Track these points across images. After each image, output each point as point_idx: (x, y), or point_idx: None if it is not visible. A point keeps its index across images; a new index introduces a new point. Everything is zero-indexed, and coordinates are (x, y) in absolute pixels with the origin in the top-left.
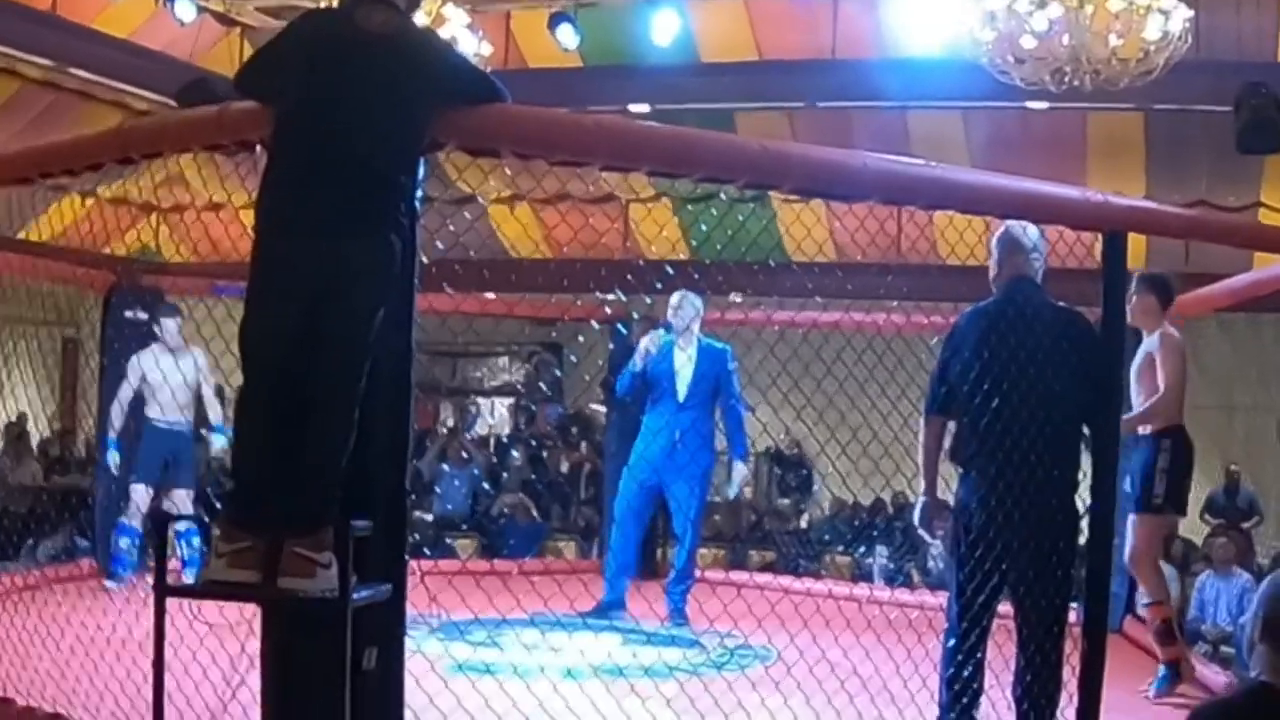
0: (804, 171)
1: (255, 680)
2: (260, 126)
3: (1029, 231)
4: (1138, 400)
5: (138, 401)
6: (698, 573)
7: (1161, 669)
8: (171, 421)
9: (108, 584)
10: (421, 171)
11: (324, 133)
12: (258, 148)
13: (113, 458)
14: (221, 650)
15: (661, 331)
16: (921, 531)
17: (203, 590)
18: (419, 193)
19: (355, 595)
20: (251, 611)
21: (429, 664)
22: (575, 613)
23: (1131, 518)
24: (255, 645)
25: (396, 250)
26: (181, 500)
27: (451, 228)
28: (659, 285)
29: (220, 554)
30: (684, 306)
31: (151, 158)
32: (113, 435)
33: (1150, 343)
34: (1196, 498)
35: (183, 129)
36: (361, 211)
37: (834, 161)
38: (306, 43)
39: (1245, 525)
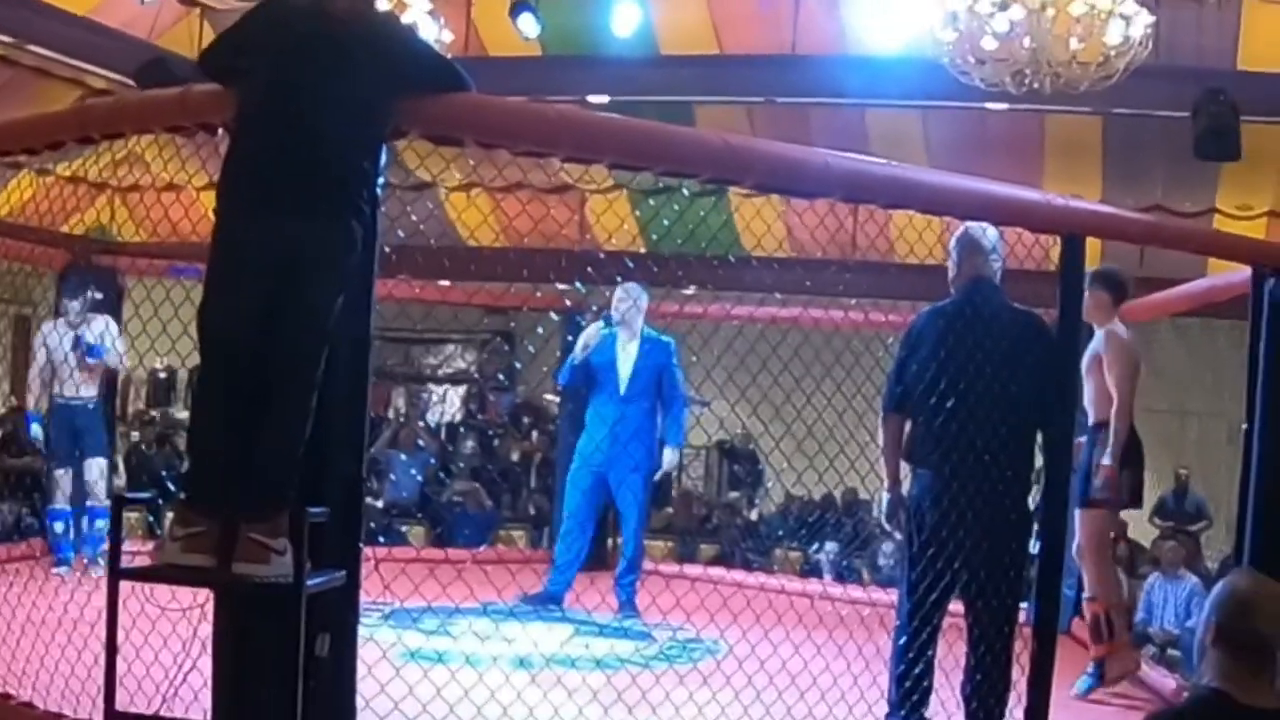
0: (766, 167)
1: (207, 664)
2: (223, 109)
3: (988, 233)
4: (1086, 395)
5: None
6: (648, 565)
7: (1090, 665)
8: (70, 397)
9: (57, 570)
10: (384, 159)
11: (287, 117)
12: (219, 130)
13: (35, 431)
14: (173, 634)
15: (602, 323)
16: (888, 525)
17: (157, 574)
18: (380, 179)
19: (310, 582)
20: (204, 595)
21: (381, 652)
22: (518, 594)
23: (1076, 513)
24: (207, 629)
25: (357, 236)
26: (98, 470)
27: (413, 216)
28: (618, 277)
29: (175, 538)
30: (627, 299)
31: (112, 138)
32: (32, 409)
33: (1098, 340)
34: (1147, 500)
35: (144, 110)
36: (323, 196)
37: (796, 159)
38: (272, 26)
39: (1193, 529)
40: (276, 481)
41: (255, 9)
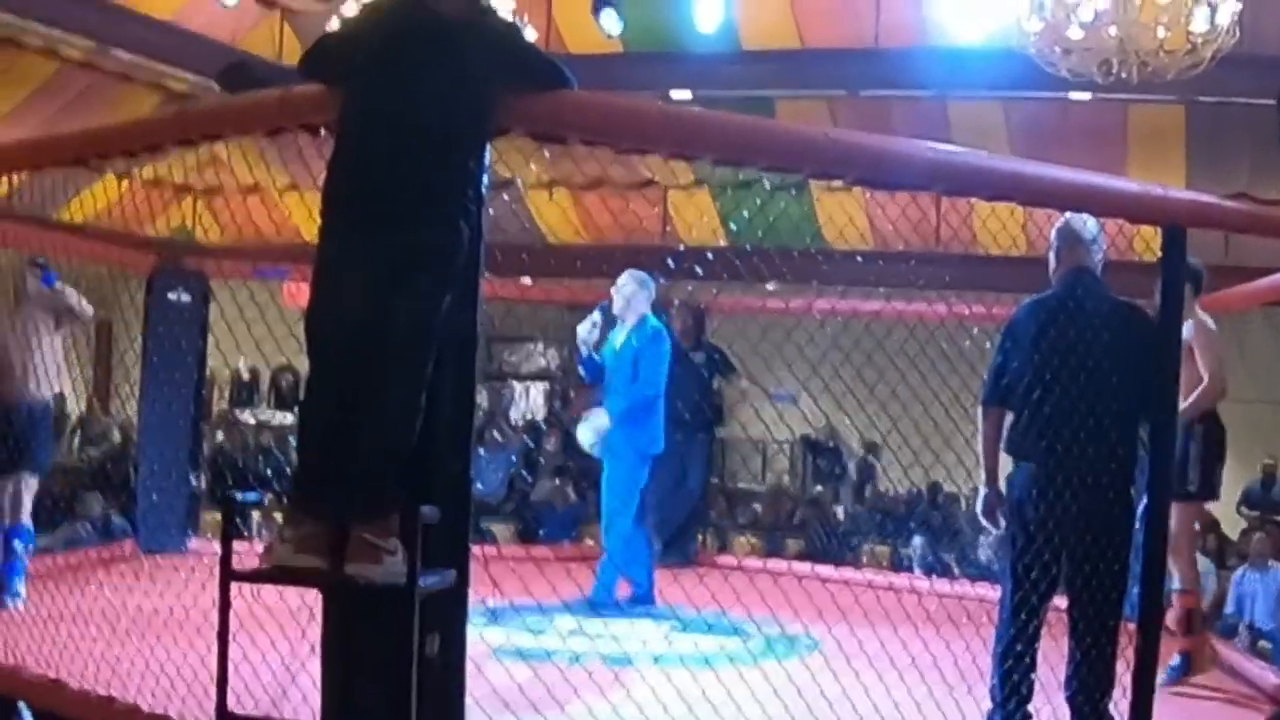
0: (869, 161)
1: (315, 666)
2: (325, 110)
3: (1088, 224)
4: None
5: None
6: (730, 560)
7: (1176, 658)
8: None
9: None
10: (488, 157)
11: (393, 116)
12: (321, 131)
13: None
14: (282, 635)
15: (597, 314)
16: (985, 521)
17: (269, 575)
18: (485, 178)
19: (422, 582)
20: (312, 597)
21: (487, 650)
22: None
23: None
24: (316, 631)
25: (464, 236)
26: (32, 487)
27: (491, 212)
28: (699, 271)
29: (286, 539)
30: (623, 287)
31: (213, 140)
32: None
33: (1185, 331)
34: (1234, 490)
35: (245, 112)
36: (431, 197)
37: (900, 152)
38: (377, 27)
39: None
40: (386, 482)
41: (361, 10)
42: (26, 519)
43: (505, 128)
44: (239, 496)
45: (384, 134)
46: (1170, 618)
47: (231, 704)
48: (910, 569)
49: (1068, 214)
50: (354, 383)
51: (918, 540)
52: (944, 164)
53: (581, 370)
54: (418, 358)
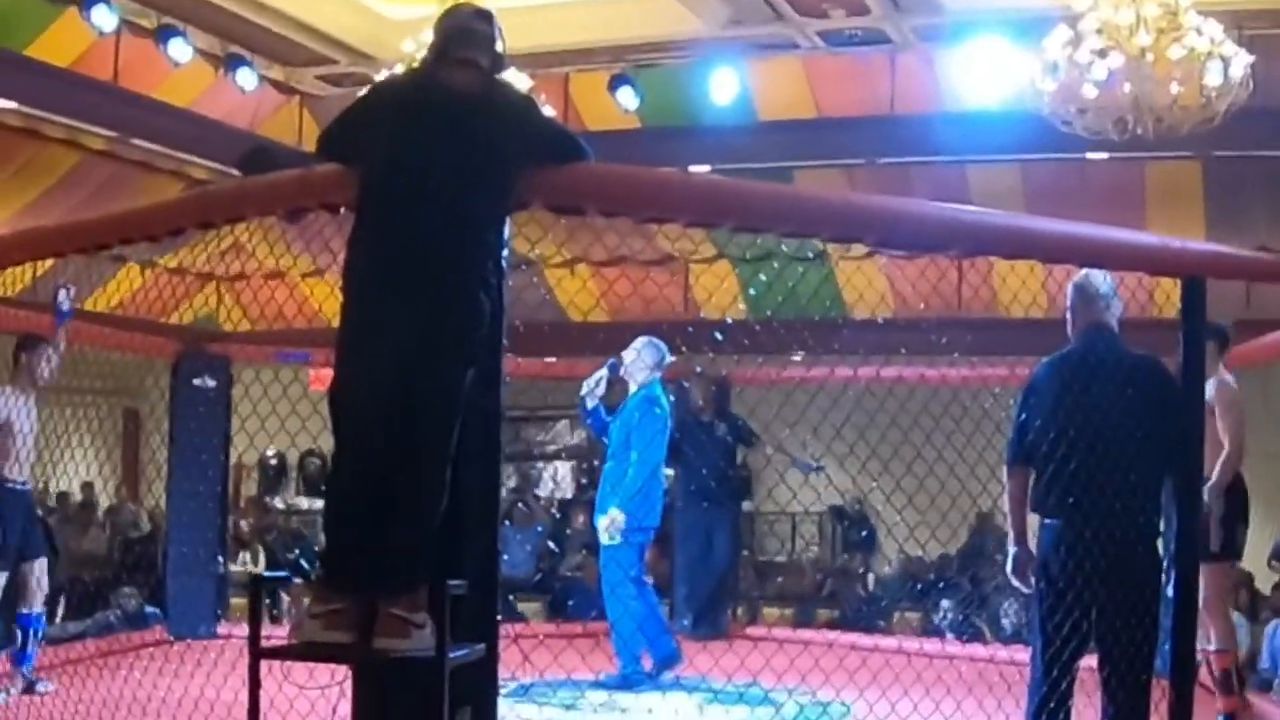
0: (887, 224)
1: None
2: (345, 188)
3: (1103, 280)
4: None
5: None
6: (761, 630)
7: (1220, 718)
8: (25, 480)
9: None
10: (507, 230)
11: (413, 192)
12: (340, 210)
13: None
14: (312, 713)
15: (605, 370)
16: (1015, 580)
17: (298, 651)
18: (505, 252)
19: (451, 655)
20: (343, 673)
21: None
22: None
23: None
24: (345, 708)
25: (485, 310)
26: (41, 570)
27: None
28: (719, 338)
29: (314, 615)
30: (636, 354)
31: (234, 221)
32: None
33: (1208, 390)
34: (1264, 545)
35: (266, 192)
36: (452, 272)
37: (917, 214)
38: (392, 103)
39: None
40: (414, 557)
41: (375, 87)
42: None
43: (525, 201)
44: (266, 574)
45: (402, 210)
46: (1203, 675)
47: None
48: (942, 634)
49: (1083, 271)
50: (380, 458)
51: (945, 604)
52: (960, 224)
53: (587, 423)
54: (443, 432)
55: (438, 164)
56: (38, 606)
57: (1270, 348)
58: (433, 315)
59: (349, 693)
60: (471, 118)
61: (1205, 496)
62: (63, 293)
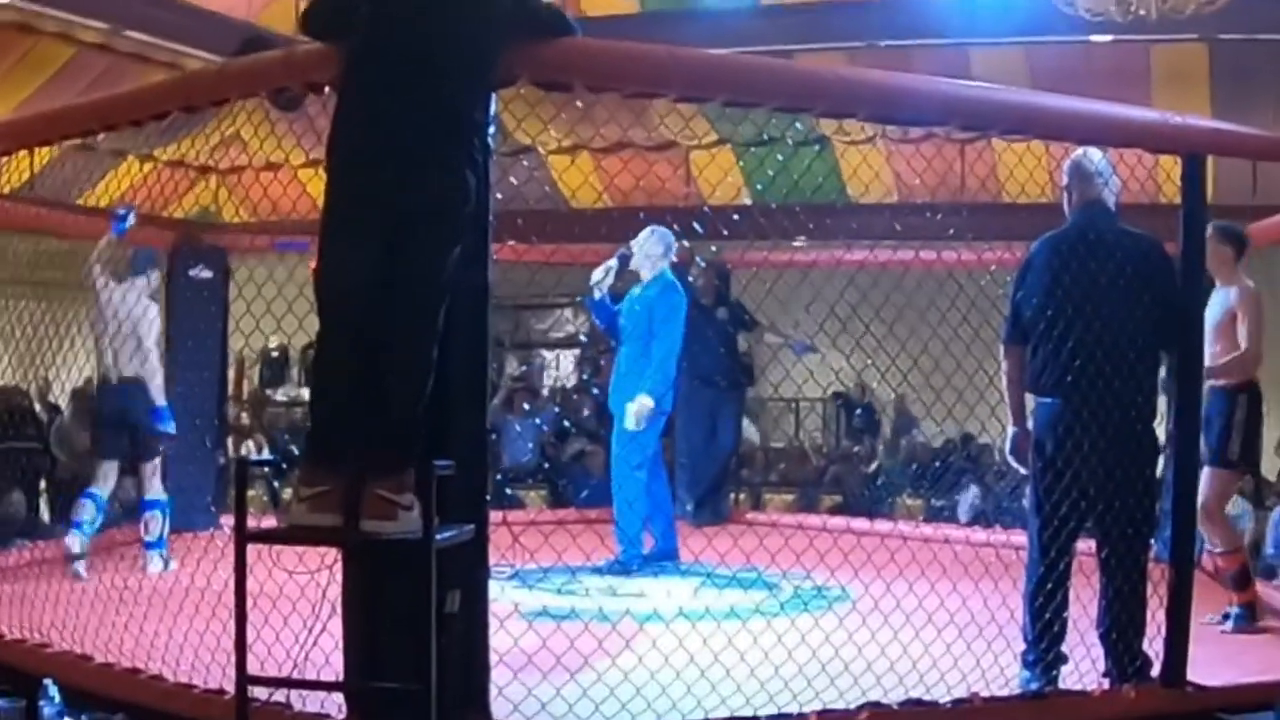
0: (880, 98)
1: (337, 627)
2: (329, 67)
3: (1098, 157)
4: (1211, 349)
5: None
6: (764, 517)
7: (1237, 608)
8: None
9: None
10: (493, 108)
11: (396, 69)
12: (325, 90)
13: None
14: (302, 598)
15: (614, 261)
16: (1013, 462)
17: (285, 535)
18: (491, 129)
19: (438, 536)
20: (332, 557)
21: (513, 608)
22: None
23: (1206, 471)
24: (335, 592)
25: (471, 186)
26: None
27: (513, 180)
28: (724, 231)
29: (301, 498)
30: (641, 242)
31: (219, 104)
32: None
33: (1229, 296)
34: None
35: (249, 73)
36: (437, 147)
37: (910, 87)
38: None
39: None
40: (400, 436)
41: None
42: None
43: (511, 78)
44: (252, 460)
45: (387, 87)
46: (1206, 563)
47: (254, 668)
48: (953, 519)
49: (1080, 149)
50: (365, 338)
51: (974, 490)
52: (956, 98)
53: (593, 315)
54: (428, 310)
55: (420, 40)
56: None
57: (1273, 229)
58: (417, 192)
59: (339, 576)
60: None
61: (1239, 407)
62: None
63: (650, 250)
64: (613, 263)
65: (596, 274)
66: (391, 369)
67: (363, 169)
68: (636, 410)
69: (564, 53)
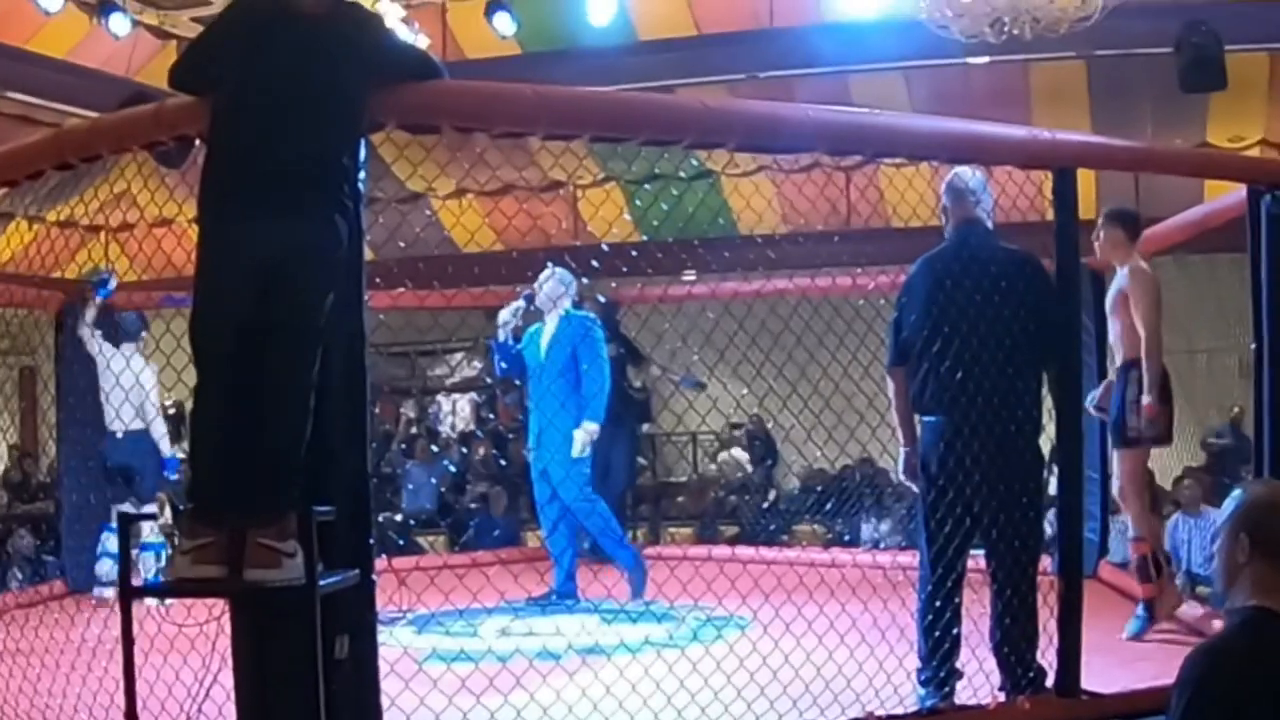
0: (746, 126)
1: (228, 678)
2: (198, 120)
3: (971, 176)
4: (1114, 333)
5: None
6: (676, 550)
7: (1139, 608)
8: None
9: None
10: (362, 154)
11: (263, 117)
12: (196, 142)
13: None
14: (193, 651)
15: (521, 301)
16: (907, 481)
17: (168, 589)
18: (361, 174)
19: (322, 582)
20: (221, 609)
21: (404, 652)
22: (525, 597)
23: (1115, 453)
24: (226, 643)
25: (343, 232)
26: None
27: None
28: (624, 269)
29: (184, 551)
30: (547, 283)
31: (90, 160)
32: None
33: (1121, 277)
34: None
35: (119, 128)
36: (305, 194)
37: (776, 114)
38: (239, 29)
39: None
40: (280, 484)
41: (221, 14)
42: None
43: (379, 122)
44: (132, 513)
45: (253, 135)
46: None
47: None
48: (854, 543)
49: (953, 169)
50: (240, 387)
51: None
52: (823, 124)
53: (496, 358)
54: (302, 358)
55: (286, 86)
56: None
57: (1152, 239)
58: (288, 240)
59: (228, 628)
60: (318, 39)
61: (1131, 384)
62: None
63: (553, 291)
64: (519, 303)
65: (504, 315)
66: (268, 417)
67: (233, 218)
68: (585, 437)
69: (430, 95)
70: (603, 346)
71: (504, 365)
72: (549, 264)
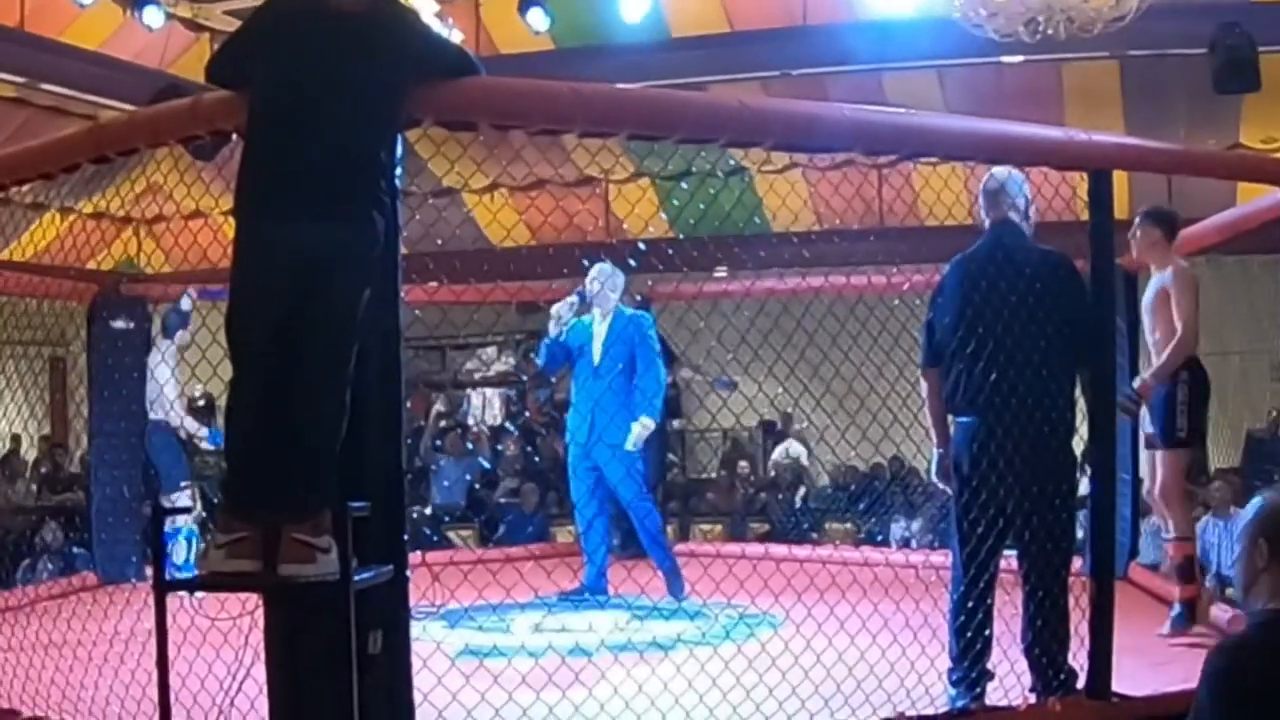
0: (783, 125)
1: (261, 672)
2: (234, 115)
3: (1007, 176)
4: (1152, 335)
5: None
6: (709, 548)
7: (1177, 607)
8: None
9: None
10: (399, 150)
11: (301, 114)
12: (233, 137)
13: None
14: (226, 644)
15: (575, 298)
16: (940, 483)
17: (203, 583)
18: (398, 170)
19: (356, 578)
20: (254, 603)
21: (437, 647)
22: (555, 592)
23: (1159, 454)
24: (259, 637)
25: (380, 228)
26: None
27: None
28: (659, 266)
29: (219, 545)
30: (600, 280)
31: (127, 154)
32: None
33: (1163, 278)
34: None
35: (156, 122)
36: (343, 191)
37: (813, 114)
38: (276, 26)
39: None
40: (315, 480)
41: (258, 10)
42: None
43: (416, 119)
44: (167, 507)
45: (291, 131)
46: (1166, 566)
47: (179, 716)
48: (885, 543)
49: (990, 170)
50: (277, 383)
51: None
52: (860, 123)
53: (542, 352)
54: (339, 353)
55: (324, 83)
56: None
57: (1189, 240)
58: (325, 236)
59: (261, 622)
60: (357, 36)
61: (1151, 381)
62: (186, 299)
63: (610, 287)
64: (574, 299)
65: (559, 309)
66: (304, 413)
67: (270, 215)
68: (641, 432)
69: (468, 92)
70: (658, 345)
71: (549, 360)
72: (602, 256)
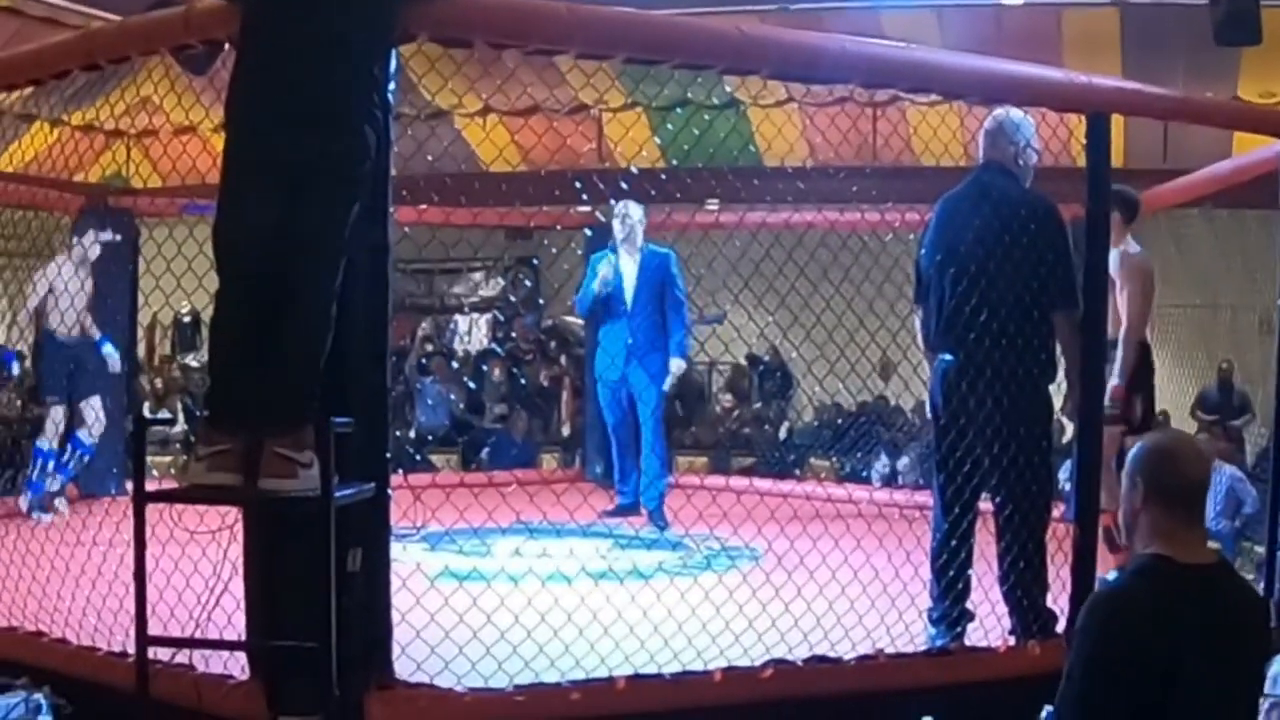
0: (782, 55)
1: (239, 587)
2: (228, 24)
3: (1004, 116)
4: None
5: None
6: (672, 479)
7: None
8: (70, 332)
9: (37, 516)
10: (393, 65)
11: (294, 24)
12: (225, 46)
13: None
14: (203, 558)
15: (611, 255)
16: (930, 417)
17: (183, 495)
18: (391, 86)
19: (337, 494)
20: (233, 516)
21: (416, 568)
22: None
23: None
24: (237, 551)
25: (371, 143)
26: (95, 408)
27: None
28: (651, 193)
29: (199, 457)
30: (627, 217)
31: (118, 62)
32: (13, 347)
33: (1110, 261)
34: (1185, 394)
35: (148, 31)
36: (334, 103)
37: (812, 44)
38: None
39: (1237, 422)
40: (299, 394)
41: None
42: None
43: (410, 33)
44: (150, 419)
45: (285, 42)
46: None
47: (156, 629)
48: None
49: (991, 110)
50: (262, 295)
51: (905, 460)
52: (857, 55)
53: (582, 305)
54: (326, 267)
55: None
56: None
57: (1182, 190)
58: (316, 147)
59: (240, 536)
60: None
61: (1121, 385)
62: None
63: (640, 224)
64: (611, 256)
65: (607, 270)
66: (289, 326)
67: (260, 125)
68: (678, 370)
69: (463, 9)
70: (682, 283)
71: (588, 311)
72: (624, 189)
